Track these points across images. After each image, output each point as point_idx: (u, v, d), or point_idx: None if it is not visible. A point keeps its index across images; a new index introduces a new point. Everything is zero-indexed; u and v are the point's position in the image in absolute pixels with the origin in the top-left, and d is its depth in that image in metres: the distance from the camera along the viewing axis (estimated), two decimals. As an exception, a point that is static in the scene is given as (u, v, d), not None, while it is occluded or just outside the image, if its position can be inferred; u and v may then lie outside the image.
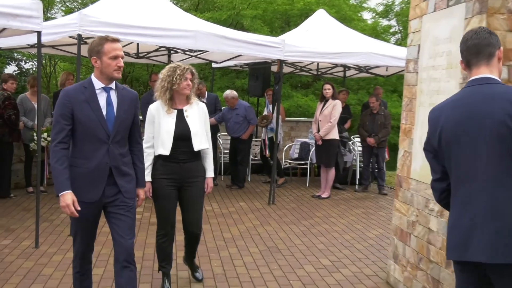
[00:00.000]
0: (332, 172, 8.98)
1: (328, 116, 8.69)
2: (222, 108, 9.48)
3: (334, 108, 8.70)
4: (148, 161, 4.01)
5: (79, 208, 3.17)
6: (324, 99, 8.92)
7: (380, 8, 26.06)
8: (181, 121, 4.14)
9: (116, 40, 3.32)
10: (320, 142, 8.85)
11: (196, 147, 4.18)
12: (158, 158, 4.14)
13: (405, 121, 4.85)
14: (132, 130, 3.47)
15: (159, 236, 4.29)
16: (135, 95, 3.52)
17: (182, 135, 4.10)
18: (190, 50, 9.24)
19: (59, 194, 3.17)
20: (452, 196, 2.51)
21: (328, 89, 8.83)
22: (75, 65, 7.12)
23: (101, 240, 5.54)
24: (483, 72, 2.43)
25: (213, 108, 8.87)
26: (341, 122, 9.53)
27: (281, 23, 20.10)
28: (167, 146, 4.07)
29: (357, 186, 9.82)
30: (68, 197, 3.14)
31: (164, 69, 4.20)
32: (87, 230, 3.48)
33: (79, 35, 6.27)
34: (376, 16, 25.33)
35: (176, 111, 4.16)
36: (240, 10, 18.69)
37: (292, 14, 19.55)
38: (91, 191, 3.28)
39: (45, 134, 7.37)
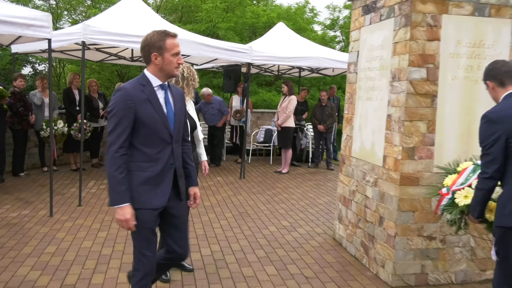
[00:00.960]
0: (289, 152, 9.07)
1: (285, 108, 8.79)
2: (201, 101, 9.51)
3: (290, 102, 8.80)
4: None
5: (135, 222, 2.47)
6: (284, 95, 9.02)
7: (328, 22, 26.25)
8: (188, 115, 3.59)
9: (175, 36, 2.61)
10: (279, 129, 8.99)
11: (201, 136, 4.01)
12: None
13: (347, 112, 4.90)
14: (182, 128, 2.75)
15: None
16: (182, 91, 2.81)
17: (192, 127, 3.76)
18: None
19: (117, 207, 2.42)
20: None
21: (283, 87, 9.06)
22: (80, 67, 6.95)
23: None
24: None
25: (193, 100, 8.93)
26: (300, 113, 9.67)
27: (249, 33, 20.03)
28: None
29: (310, 163, 9.91)
30: (128, 211, 2.42)
31: (182, 69, 3.57)
32: (153, 242, 2.62)
33: (83, 42, 6.13)
34: (325, 28, 25.49)
35: None
36: (216, 23, 18.59)
37: (258, 26, 19.54)
38: (159, 196, 2.55)
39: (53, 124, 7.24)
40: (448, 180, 3.02)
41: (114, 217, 2.50)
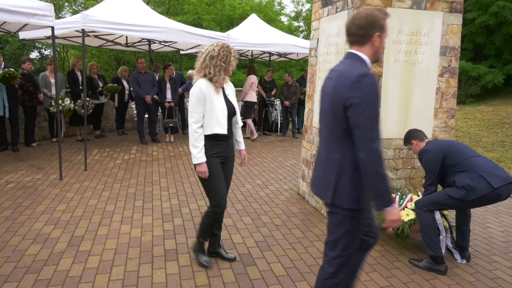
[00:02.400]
0: (249, 122, 9.11)
1: (246, 86, 8.91)
2: (187, 82, 9.32)
3: (247, 80, 8.99)
4: (202, 141, 2.78)
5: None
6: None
7: (293, 14, 25.88)
8: (226, 99, 2.92)
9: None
10: (241, 103, 9.08)
11: (240, 123, 3.06)
12: (208, 138, 2.81)
13: (309, 89, 4.89)
14: None
15: (216, 213, 2.95)
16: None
17: (231, 113, 2.92)
18: (164, 41, 8.87)
19: (389, 208, 1.84)
20: None
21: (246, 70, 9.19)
22: (81, 51, 6.66)
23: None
24: None
25: (180, 81, 8.80)
26: (269, 90, 9.57)
27: (227, 23, 19.59)
28: (224, 124, 2.83)
29: (278, 133, 9.93)
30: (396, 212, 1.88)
31: (212, 47, 2.81)
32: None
33: (83, 30, 5.84)
34: (290, 19, 25.15)
35: (221, 89, 2.91)
36: (201, 15, 18.20)
37: (234, 17, 19.16)
38: None
39: (60, 101, 6.97)
40: None
41: (387, 219, 1.88)
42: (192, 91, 2.78)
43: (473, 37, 17.41)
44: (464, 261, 3.27)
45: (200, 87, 2.77)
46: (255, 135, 9.02)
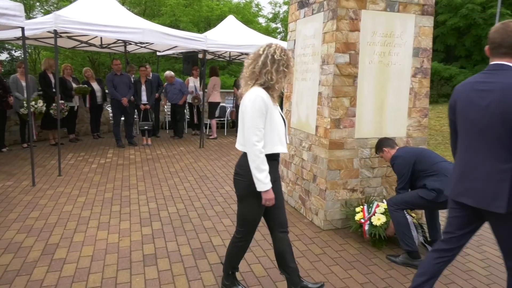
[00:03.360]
0: (214, 122, 9.35)
1: (209, 88, 9.13)
2: (165, 84, 9.24)
3: (209, 82, 9.22)
4: (267, 163, 2.27)
5: None
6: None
7: (270, 16, 26.00)
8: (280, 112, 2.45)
9: None
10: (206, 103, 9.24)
11: (288, 140, 2.50)
12: (268, 158, 2.32)
13: (287, 90, 4.91)
14: None
15: (246, 241, 2.55)
16: None
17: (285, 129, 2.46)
18: (140, 42, 8.72)
19: None
20: None
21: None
22: (54, 53, 6.48)
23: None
24: None
25: (156, 83, 8.67)
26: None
27: (204, 24, 19.52)
28: (284, 141, 2.40)
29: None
30: None
31: (273, 49, 2.33)
32: None
33: (55, 31, 5.68)
34: (268, 21, 25.28)
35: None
36: (179, 16, 18.01)
37: (212, 18, 19.10)
38: None
39: (33, 103, 6.76)
40: (358, 216, 3.61)
41: None
42: (251, 103, 2.26)
43: (444, 39, 17.97)
44: None
45: (262, 98, 2.26)
46: (214, 135, 9.33)
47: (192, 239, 3.61)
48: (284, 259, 2.54)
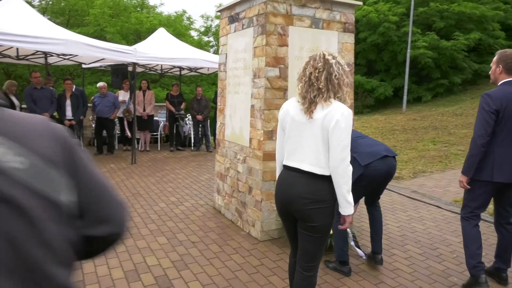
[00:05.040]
0: (148, 135, 9.33)
1: (149, 101, 9.11)
2: (95, 95, 8.74)
3: (152, 96, 9.24)
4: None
5: None
6: (142, 90, 9.20)
7: (203, 29, 26.07)
8: None
9: None
10: (145, 117, 9.10)
11: None
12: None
13: (220, 103, 4.93)
14: None
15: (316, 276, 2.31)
16: None
17: None
18: (63, 54, 8.20)
19: None
20: None
21: (143, 84, 9.26)
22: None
23: None
24: None
25: (81, 99, 8.01)
26: (178, 104, 9.44)
27: (134, 37, 18.95)
28: None
29: (192, 147, 9.82)
30: None
31: (339, 58, 2.22)
32: None
33: (-39, 41, 5.13)
34: (200, 34, 25.31)
35: None
36: (104, 27, 17.24)
37: (142, 31, 18.63)
38: None
39: None
40: None
41: None
42: (347, 121, 2.05)
43: (365, 54, 19.41)
44: (364, 256, 3.54)
45: (351, 114, 2.11)
46: (148, 148, 9.32)
47: (125, 260, 3.42)
48: None
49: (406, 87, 17.08)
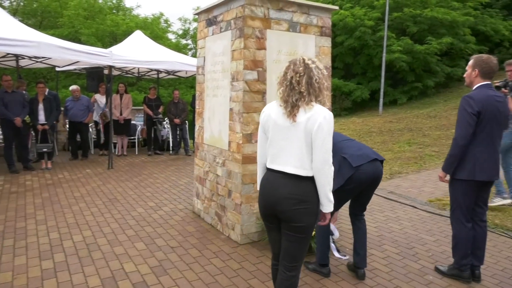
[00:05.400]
0: (125, 139, 9.20)
1: (126, 105, 8.96)
2: (68, 98, 8.51)
3: (130, 99, 9.07)
4: None
5: None
6: (119, 93, 9.04)
7: (181, 32, 25.90)
8: None
9: None
10: (122, 121, 8.91)
11: None
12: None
13: (199, 107, 4.91)
14: None
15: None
16: None
17: None
18: (36, 57, 7.98)
19: None
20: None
21: (121, 88, 9.06)
22: None
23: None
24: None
25: (54, 103, 7.64)
26: (156, 108, 9.34)
27: (110, 39, 18.64)
28: None
29: (171, 151, 9.72)
30: None
31: (318, 62, 2.28)
32: None
33: None
34: (178, 37, 25.14)
35: None
36: (79, 29, 16.86)
37: (118, 33, 18.37)
38: None
39: None
40: None
41: None
42: (329, 124, 2.13)
43: (343, 58, 19.73)
44: (346, 257, 3.60)
45: (332, 116, 2.19)
46: (125, 153, 9.24)
47: (102, 268, 3.35)
48: None
49: (382, 90, 17.46)
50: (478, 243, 3.21)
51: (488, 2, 19.73)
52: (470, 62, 3.15)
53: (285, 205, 2.15)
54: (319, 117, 2.11)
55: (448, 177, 3.21)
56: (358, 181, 3.02)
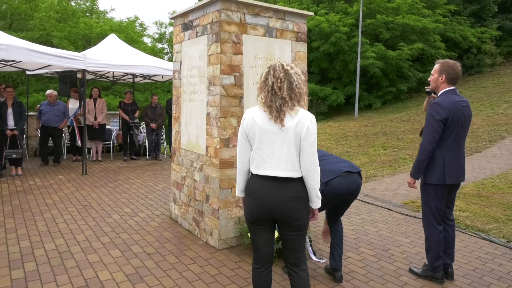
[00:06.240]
0: (99, 144, 9.07)
1: (100, 109, 8.80)
2: (43, 102, 8.24)
3: (104, 104, 8.94)
4: None
5: None
6: (93, 98, 8.89)
7: (156, 36, 25.66)
8: None
9: None
10: (97, 126, 8.76)
11: None
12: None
13: (175, 111, 4.86)
14: None
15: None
16: None
17: None
18: (5, 60, 7.70)
19: None
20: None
21: (94, 92, 8.92)
22: None
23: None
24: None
25: (23, 108, 7.35)
26: (132, 112, 9.19)
27: (83, 43, 18.22)
28: None
29: (147, 156, 9.57)
30: None
31: (291, 69, 2.27)
32: None
33: None
34: (154, 41, 24.90)
35: None
36: (50, 31, 16.40)
37: (91, 36, 17.99)
38: None
39: None
40: None
41: None
42: (315, 126, 2.24)
43: (319, 63, 20.03)
44: (323, 261, 3.64)
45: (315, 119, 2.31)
46: (100, 158, 9.08)
47: (75, 276, 3.25)
48: None
49: (357, 95, 17.82)
50: (448, 242, 3.32)
51: (456, 10, 20.54)
52: (436, 67, 3.20)
53: (287, 208, 2.23)
54: (306, 121, 2.20)
55: (417, 183, 3.28)
56: (331, 195, 3.02)
